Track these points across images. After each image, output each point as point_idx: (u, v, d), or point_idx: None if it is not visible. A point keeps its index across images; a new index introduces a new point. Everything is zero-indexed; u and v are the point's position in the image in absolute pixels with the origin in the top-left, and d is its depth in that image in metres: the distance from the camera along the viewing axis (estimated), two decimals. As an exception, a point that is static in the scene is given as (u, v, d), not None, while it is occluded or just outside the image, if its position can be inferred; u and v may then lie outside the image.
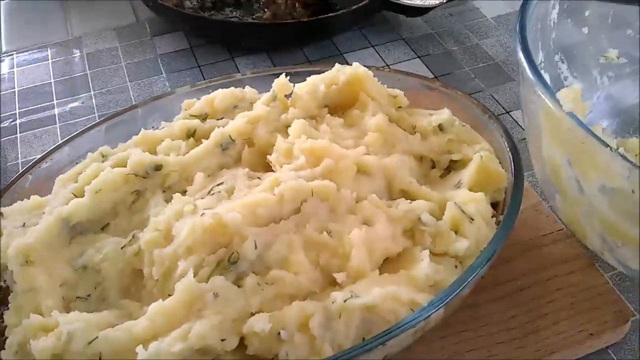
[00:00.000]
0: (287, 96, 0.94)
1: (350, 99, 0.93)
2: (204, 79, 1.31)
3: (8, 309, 0.75)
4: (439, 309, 0.68)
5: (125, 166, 0.82)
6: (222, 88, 0.95)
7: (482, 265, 0.71)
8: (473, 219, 0.76)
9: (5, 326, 0.72)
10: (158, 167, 0.82)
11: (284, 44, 1.39)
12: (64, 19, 1.52)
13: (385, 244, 0.73)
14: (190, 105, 0.93)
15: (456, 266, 0.75)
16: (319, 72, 0.96)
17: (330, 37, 1.41)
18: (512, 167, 0.83)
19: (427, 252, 0.73)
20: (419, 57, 1.37)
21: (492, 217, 0.80)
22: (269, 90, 0.95)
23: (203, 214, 0.71)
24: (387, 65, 1.35)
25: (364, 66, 0.94)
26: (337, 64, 0.95)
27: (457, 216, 0.76)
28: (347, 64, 1.37)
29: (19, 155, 1.17)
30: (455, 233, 0.76)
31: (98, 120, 0.94)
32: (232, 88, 0.94)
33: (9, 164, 1.16)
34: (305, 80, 0.95)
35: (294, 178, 0.76)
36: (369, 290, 0.67)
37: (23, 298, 0.72)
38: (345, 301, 0.65)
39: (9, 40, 1.47)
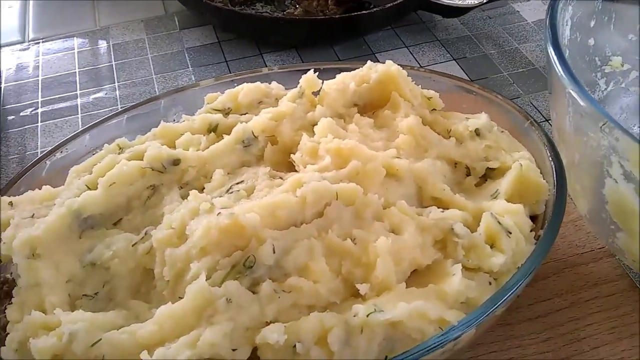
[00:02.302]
0: (315, 93, 0.89)
1: (382, 99, 0.88)
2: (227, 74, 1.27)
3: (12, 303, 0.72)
4: (470, 329, 0.62)
5: (142, 159, 0.78)
6: (247, 82, 0.90)
7: (518, 283, 0.66)
8: (510, 232, 0.70)
9: (8, 321, 0.68)
10: (176, 162, 0.77)
11: (314, 41, 1.34)
12: (93, 8, 1.50)
13: (413, 254, 0.68)
14: (214, 99, 0.89)
15: (490, 283, 0.69)
16: (349, 70, 0.91)
17: (363, 36, 1.36)
18: (555, 178, 0.76)
19: (459, 266, 0.67)
20: (454, 59, 1.31)
21: (530, 231, 0.74)
22: (296, 87, 0.91)
23: (219, 213, 0.67)
24: (421, 67, 1.29)
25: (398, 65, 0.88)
26: (369, 62, 0.90)
27: (493, 228, 0.70)
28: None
29: (39, 144, 1.14)
30: (491, 247, 0.70)
31: (119, 110, 0.91)
32: (258, 83, 0.90)
33: (27, 152, 1.13)
34: (334, 77, 0.90)
35: (318, 179, 0.70)
36: (395, 304, 0.62)
37: (27, 293, 0.68)
38: (368, 315, 0.60)
39: (37, 28, 1.45)
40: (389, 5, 1.28)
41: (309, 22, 1.30)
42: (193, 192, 0.72)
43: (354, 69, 0.90)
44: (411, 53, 1.33)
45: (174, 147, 0.81)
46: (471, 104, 0.92)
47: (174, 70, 1.29)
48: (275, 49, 1.33)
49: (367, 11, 1.27)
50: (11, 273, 0.75)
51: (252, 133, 0.81)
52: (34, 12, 1.51)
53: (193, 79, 1.27)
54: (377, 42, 1.35)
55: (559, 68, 0.76)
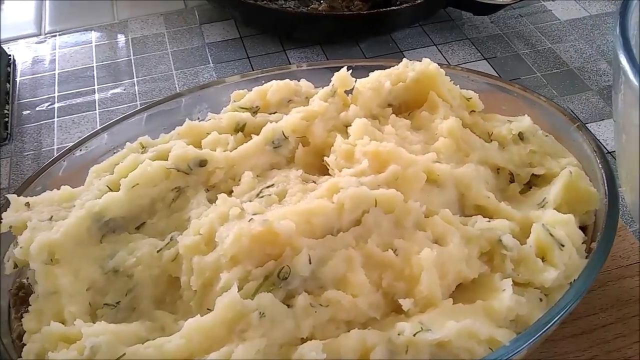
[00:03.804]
0: (347, 92, 0.84)
1: (418, 99, 0.83)
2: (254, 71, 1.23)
3: (28, 310, 0.68)
4: (522, 350, 0.57)
5: (167, 159, 0.73)
6: (275, 79, 0.86)
7: (573, 301, 0.61)
8: (563, 245, 0.65)
9: (24, 331, 0.64)
10: (202, 163, 0.73)
11: (339, 37, 1.29)
12: (111, 1, 1.46)
13: (459, 267, 0.63)
14: (240, 97, 0.84)
15: (541, 299, 0.64)
16: (383, 68, 0.86)
17: (389, 33, 1.31)
18: (606, 186, 0.71)
19: (509, 281, 0.62)
20: (485, 58, 1.26)
21: (582, 243, 0.69)
22: (326, 85, 0.86)
23: (251, 219, 0.62)
24: (450, 66, 1.24)
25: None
26: (404, 59, 0.85)
27: (544, 241, 0.65)
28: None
29: (55, 140, 1.11)
30: (542, 260, 0.65)
31: (140, 107, 0.86)
32: (287, 80, 0.85)
33: (43, 149, 1.09)
34: (367, 75, 0.85)
35: (356, 185, 0.66)
36: (442, 323, 0.57)
37: (45, 301, 0.64)
38: (415, 335, 0.55)
39: (53, 20, 1.41)
40: (419, 1, 1.23)
41: (335, 17, 1.25)
42: (222, 196, 0.68)
43: (388, 67, 0.86)
44: (440, 52, 1.28)
45: (200, 147, 0.76)
46: (510, 106, 0.87)
47: (194, 66, 1.25)
48: (299, 45, 1.29)
49: (396, 7, 1.23)
50: (27, 278, 0.71)
51: (283, 133, 0.76)
52: (51, 4, 1.47)
53: (214, 75, 1.23)
54: (405, 40, 1.30)
55: (620, 46, 0.69)
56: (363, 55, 1.27)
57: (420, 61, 0.84)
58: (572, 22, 1.36)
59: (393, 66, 0.86)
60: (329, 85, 0.84)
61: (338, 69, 0.85)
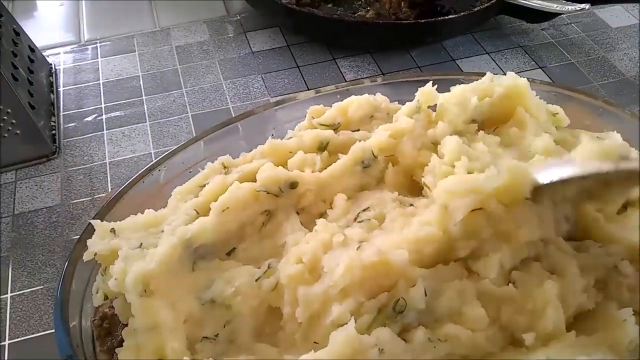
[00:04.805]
0: (430, 108, 0.81)
1: (503, 114, 0.80)
2: (304, 81, 1.19)
3: (116, 341, 0.65)
4: (654, 386, 0.54)
5: (253, 180, 0.70)
6: (353, 95, 0.82)
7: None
8: (681, 272, 0.62)
9: (118, 367, 0.61)
10: (293, 185, 0.70)
11: (390, 45, 1.26)
12: (150, 8, 1.42)
13: (580, 299, 0.60)
14: (319, 113, 0.81)
15: (658, 329, 0.61)
16: (462, 82, 0.83)
17: (440, 41, 1.28)
18: None
19: (630, 310, 0.59)
20: (540, 67, 1.23)
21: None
22: (398, 99, 0.84)
23: (359, 247, 0.59)
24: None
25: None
26: (488, 73, 0.81)
27: (662, 267, 0.62)
28: (461, 70, 1.26)
29: (106, 154, 1.07)
30: (659, 288, 0.62)
31: (213, 126, 0.83)
32: (367, 95, 0.82)
33: (95, 164, 1.05)
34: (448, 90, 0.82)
35: (464, 210, 0.63)
36: (570, 357, 0.54)
37: (144, 336, 0.60)
38: (549, 373, 0.53)
39: (91, 27, 1.37)
40: (477, 9, 1.20)
41: (388, 26, 1.22)
42: (321, 222, 0.65)
43: (470, 81, 0.83)
44: (494, 60, 1.25)
45: (286, 167, 0.73)
46: (593, 121, 0.85)
47: (243, 75, 1.21)
48: (349, 54, 1.25)
49: (454, 15, 1.19)
50: (109, 307, 0.68)
51: (372, 153, 0.73)
52: (87, 11, 1.42)
53: (264, 85, 1.19)
54: (456, 48, 1.27)
55: None
56: (415, 63, 1.24)
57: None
58: (623, 30, 1.33)
59: (475, 80, 0.82)
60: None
61: (420, 82, 0.81)
